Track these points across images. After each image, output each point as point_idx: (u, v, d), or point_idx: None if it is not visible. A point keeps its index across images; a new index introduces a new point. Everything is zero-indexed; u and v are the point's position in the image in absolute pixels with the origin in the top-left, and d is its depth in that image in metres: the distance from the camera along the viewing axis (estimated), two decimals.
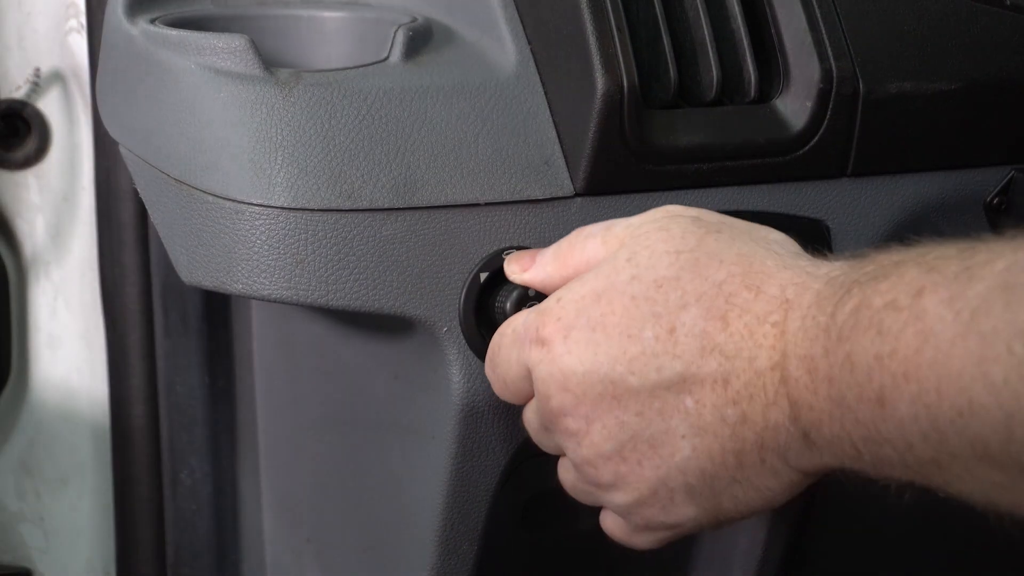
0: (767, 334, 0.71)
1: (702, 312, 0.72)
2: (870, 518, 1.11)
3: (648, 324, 0.73)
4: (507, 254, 0.85)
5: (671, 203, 0.88)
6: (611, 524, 0.81)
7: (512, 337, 0.80)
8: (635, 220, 0.79)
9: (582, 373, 0.75)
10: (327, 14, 0.98)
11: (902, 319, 0.63)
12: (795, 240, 0.78)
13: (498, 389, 0.83)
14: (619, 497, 0.77)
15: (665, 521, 0.77)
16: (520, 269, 0.84)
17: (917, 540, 1.15)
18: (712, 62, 0.89)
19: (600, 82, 0.85)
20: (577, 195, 0.87)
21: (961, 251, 0.64)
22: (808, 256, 0.75)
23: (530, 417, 0.82)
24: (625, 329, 0.74)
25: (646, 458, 0.75)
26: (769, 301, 0.72)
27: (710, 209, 0.89)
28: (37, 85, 1.15)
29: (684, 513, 0.76)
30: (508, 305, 0.85)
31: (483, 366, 0.85)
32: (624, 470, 0.76)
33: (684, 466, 0.74)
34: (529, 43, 0.88)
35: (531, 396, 0.81)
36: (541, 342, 0.77)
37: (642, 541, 0.80)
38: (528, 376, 0.79)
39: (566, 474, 0.82)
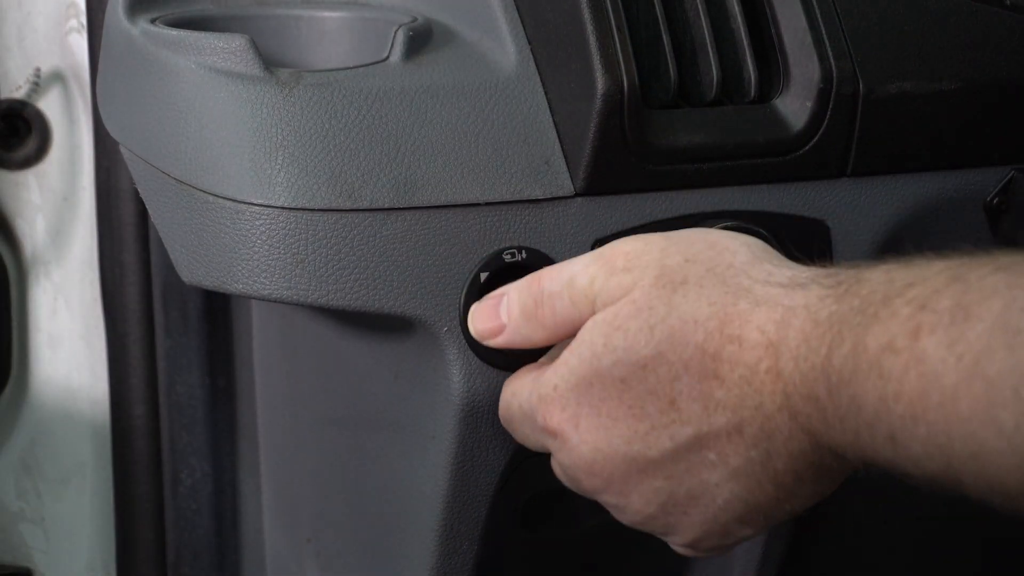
0: (764, 381, 0.71)
1: (694, 378, 0.72)
2: (872, 517, 1.11)
3: (648, 401, 0.74)
4: (508, 253, 0.86)
5: (671, 203, 0.88)
6: (679, 549, 0.82)
7: (520, 414, 0.81)
8: (595, 269, 0.77)
9: (603, 458, 0.76)
10: (327, 14, 0.98)
11: (902, 362, 0.63)
12: (762, 240, 0.77)
13: (518, 433, 0.84)
14: (678, 539, 0.79)
15: (727, 543, 0.79)
16: (490, 334, 0.82)
17: (918, 539, 1.15)
18: (712, 62, 0.89)
19: (600, 82, 0.85)
20: (577, 195, 0.87)
21: (950, 282, 0.63)
22: (777, 271, 0.74)
23: (561, 474, 0.82)
24: (628, 409, 0.75)
25: (691, 508, 0.76)
26: (754, 348, 0.71)
27: (711, 209, 0.89)
28: (37, 85, 1.15)
29: (742, 534, 0.77)
30: None
31: (483, 366, 0.86)
32: (673, 521, 0.77)
33: (728, 506, 0.75)
34: (529, 43, 0.88)
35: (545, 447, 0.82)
36: (553, 433, 0.78)
37: (711, 555, 0.81)
38: (545, 439, 0.80)
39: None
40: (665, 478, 0.75)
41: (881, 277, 0.67)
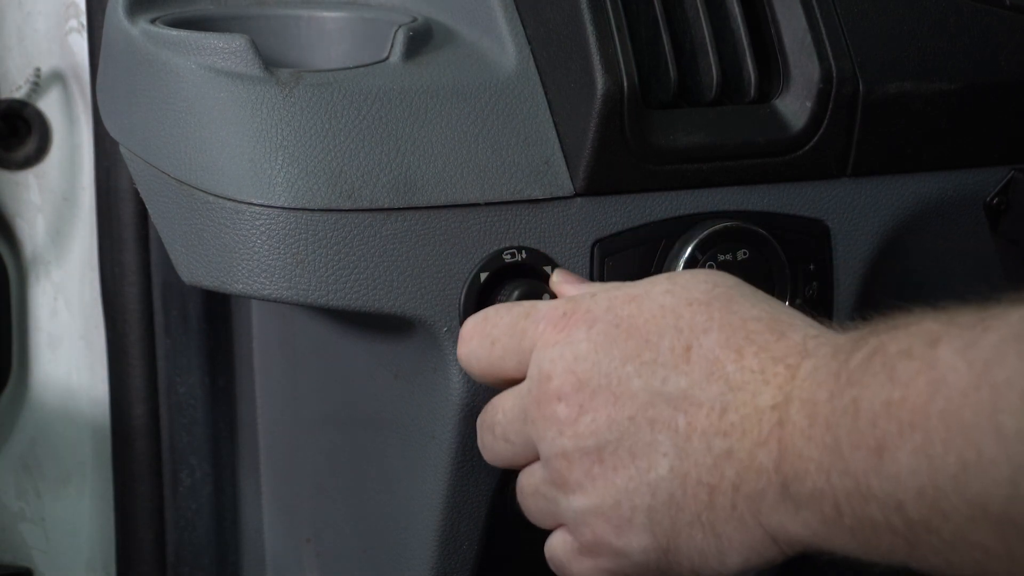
0: (778, 373, 0.71)
1: (721, 340, 0.73)
2: None
3: (668, 335, 0.74)
4: (507, 253, 0.86)
5: (671, 203, 0.89)
6: (556, 543, 0.79)
7: (528, 310, 0.80)
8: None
9: (593, 360, 0.75)
10: (327, 14, 0.98)
11: (914, 367, 0.63)
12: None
13: (478, 348, 0.81)
14: (579, 501, 0.76)
15: (614, 544, 0.75)
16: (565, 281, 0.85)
17: None
18: (712, 62, 0.89)
19: (600, 82, 0.85)
20: (577, 195, 0.87)
21: (981, 306, 0.63)
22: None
23: (508, 400, 0.80)
24: (646, 334, 0.74)
25: (622, 466, 0.74)
26: (790, 346, 0.72)
27: (711, 209, 0.89)
28: (37, 85, 1.15)
29: (636, 541, 0.74)
30: None
31: None
32: (597, 471, 0.75)
33: (655, 485, 0.73)
34: (529, 43, 0.88)
35: (506, 372, 0.80)
36: (563, 327, 0.77)
37: (582, 568, 0.78)
38: (524, 351, 0.79)
39: (530, 477, 0.80)
40: (628, 418, 0.73)
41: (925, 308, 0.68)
